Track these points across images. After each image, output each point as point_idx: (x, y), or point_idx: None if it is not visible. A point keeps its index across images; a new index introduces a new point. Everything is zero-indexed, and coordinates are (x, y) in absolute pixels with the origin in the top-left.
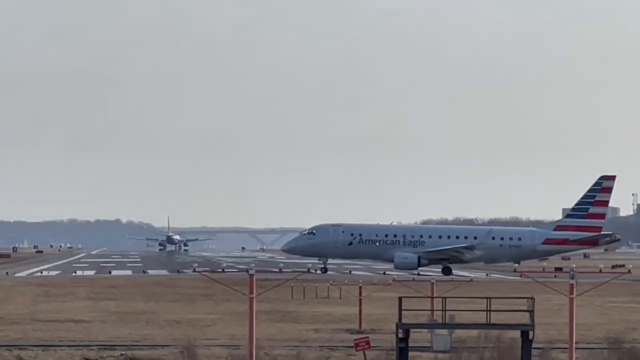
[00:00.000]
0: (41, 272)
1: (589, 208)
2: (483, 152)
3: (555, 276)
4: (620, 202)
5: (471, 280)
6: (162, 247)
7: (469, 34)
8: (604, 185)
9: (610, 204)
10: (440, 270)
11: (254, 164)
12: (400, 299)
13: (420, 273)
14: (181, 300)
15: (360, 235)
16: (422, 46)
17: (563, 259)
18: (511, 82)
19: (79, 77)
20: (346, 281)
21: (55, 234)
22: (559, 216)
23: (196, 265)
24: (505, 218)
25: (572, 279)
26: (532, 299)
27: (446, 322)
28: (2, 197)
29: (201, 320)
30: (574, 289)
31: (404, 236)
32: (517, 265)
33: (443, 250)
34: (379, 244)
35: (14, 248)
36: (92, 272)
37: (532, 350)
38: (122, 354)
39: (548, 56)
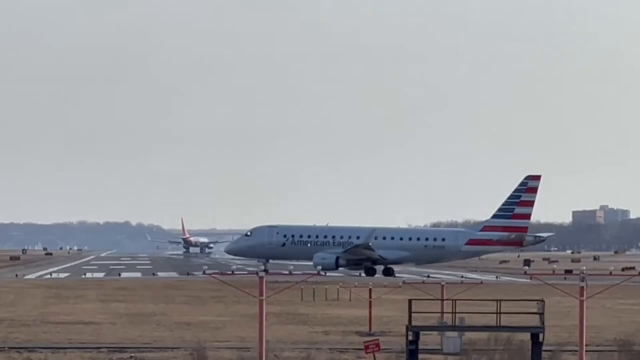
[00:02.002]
0: (51, 275)
1: (514, 208)
2: (493, 154)
3: (565, 278)
4: (630, 204)
5: (481, 282)
6: (186, 250)
7: (470, 35)
8: (529, 185)
9: (619, 207)
10: (363, 270)
11: (263, 166)
12: (410, 301)
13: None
14: (191, 303)
15: (292, 236)
16: (422, 44)
17: (573, 261)
18: (511, 81)
19: (89, 79)
20: (356, 283)
21: (65, 236)
22: (569, 219)
23: (206, 267)
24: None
25: (582, 281)
26: (542, 301)
27: (456, 324)
28: (13, 200)
29: (211, 323)
30: (584, 291)
31: (334, 237)
32: (527, 267)
33: (352, 250)
34: (310, 245)
35: (23, 250)
36: (101, 274)
37: (542, 352)
38: (132, 356)
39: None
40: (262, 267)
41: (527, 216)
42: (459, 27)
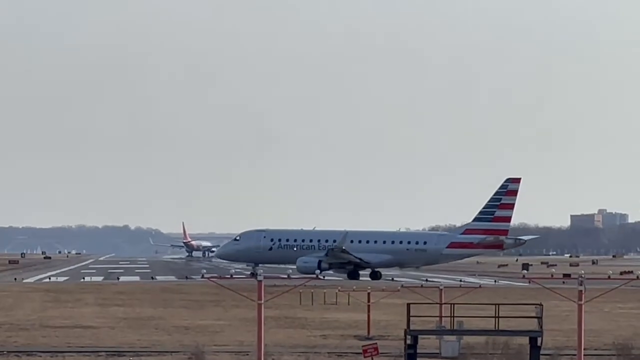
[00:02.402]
0: (49, 278)
1: (495, 211)
2: (491, 157)
3: (563, 282)
4: (629, 208)
5: (479, 286)
6: (189, 254)
7: (470, 37)
8: (509, 188)
9: (617, 211)
10: (346, 274)
11: (261, 170)
12: (408, 305)
13: (325, 277)
14: (190, 307)
15: (279, 240)
16: (420, 48)
17: (571, 265)
18: (513, 82)
19: (88, 82)
20: (354, 287)
21: (64, 240)
22: (567, 223)
23: (204, 271)
24: (514, 224)
25: (581, 285)
26: (541, 305)
27: (454, 328)
28: (11, 203)
29: (210, 327)
30: (583, 295)
31: (319, 241)
32: (525, 271)
33: (331, 254)
34: (297, 248)
35: (22, 254)
36: (100, 278)
37: (541, 356)
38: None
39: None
40: (251, 271)
41: (508, 219)
42: (447, 28)
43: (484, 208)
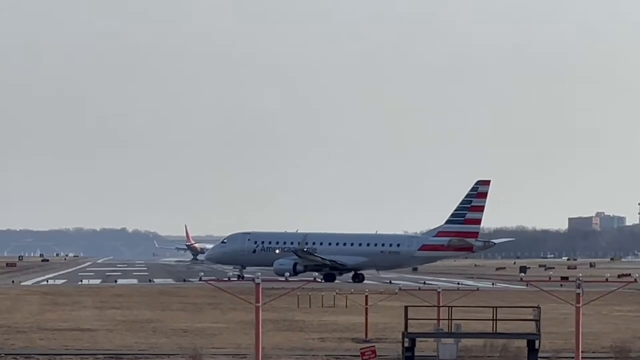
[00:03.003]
0: (47, 281)
1: (465, 214)
2: (489, 160)
3: (561, 285)
4: (627, 211)
5: (477, 289)
6: (194, 257)
7: (472, 38)
8: (479, 191)
9: (615, 214)
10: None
11: (260, 171)
12: (406, 308)
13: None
14: (187, 309)
15: (262, 242)
16: (421, 49)
17: (569, 267)
18: (513, 84)
19: (86, 84)
20: (352, 290)
21: (61, 242)
22: (565, 225)
23: (202, 274)
24: (512, 227)
25: (579, 288)
26: (538, 308)
27: (452, 331)
28: (9, 206)
29: (207, 329)
30: (580, 298)
31: (299, 243)
32: (523, 274)
33: (302, 256)
34: (279, 251)
35: (19, 257)
36: (98, 281)
37: (539, 359)
38: None
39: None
40: (238, 274)
41: (478, 221)
42: (422, 34)
43: (455, 210)
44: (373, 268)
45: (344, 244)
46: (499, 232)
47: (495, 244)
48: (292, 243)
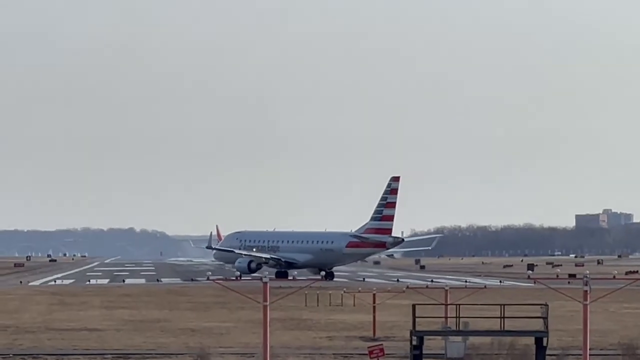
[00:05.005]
0: (55, 281)
1: (382, 210)
2: (497, 159)
3: (569, 282)
4: (634, 208)
5: (485, 287)
6: None
7: (472, 39)
8: (392, 187)
9: (622, 211)
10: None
11: (269, 171)
12: (414, 306)
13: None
14: (195, 309)
15: (246, 241)
16: (425, 50)
17: (576, 265)
18: (514, 83)
19: (92, 84)
20: (360, 289)
21: (69, 243)
22: (572, 223)
23: (210, 273)
24: (519, 224)
25: (586, 285)
26: (546, 305)
27: (460, 329)
28: (17, 207)
29: (215, 329)
30: (588, 296)
31: (274, 242)
32: (530, 272)
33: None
34: (256, 249)
35: (27, 257)
36: (105, 281)
37: (547, 356)
38: None
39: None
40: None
41: (391, 217)
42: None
43: (376, 207)
44: (318, 265)
45: (296, 242)
46: (507, 230)
47: (403, 240)
48: (268, 242)
